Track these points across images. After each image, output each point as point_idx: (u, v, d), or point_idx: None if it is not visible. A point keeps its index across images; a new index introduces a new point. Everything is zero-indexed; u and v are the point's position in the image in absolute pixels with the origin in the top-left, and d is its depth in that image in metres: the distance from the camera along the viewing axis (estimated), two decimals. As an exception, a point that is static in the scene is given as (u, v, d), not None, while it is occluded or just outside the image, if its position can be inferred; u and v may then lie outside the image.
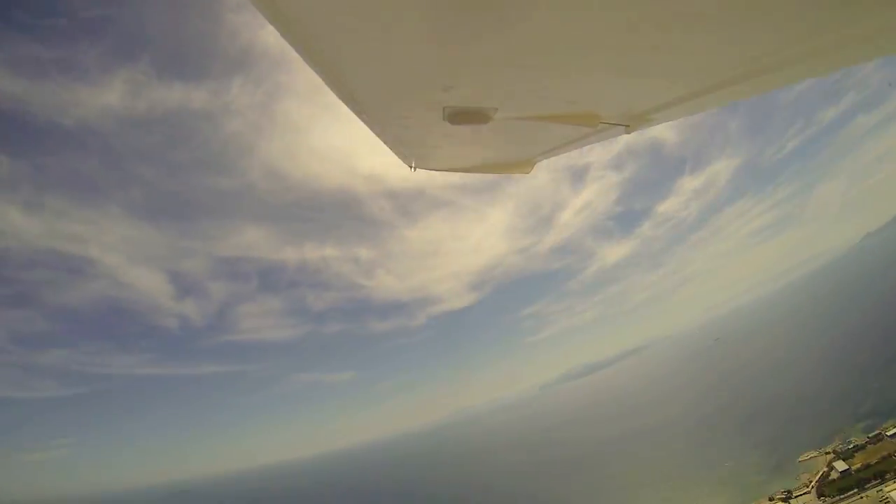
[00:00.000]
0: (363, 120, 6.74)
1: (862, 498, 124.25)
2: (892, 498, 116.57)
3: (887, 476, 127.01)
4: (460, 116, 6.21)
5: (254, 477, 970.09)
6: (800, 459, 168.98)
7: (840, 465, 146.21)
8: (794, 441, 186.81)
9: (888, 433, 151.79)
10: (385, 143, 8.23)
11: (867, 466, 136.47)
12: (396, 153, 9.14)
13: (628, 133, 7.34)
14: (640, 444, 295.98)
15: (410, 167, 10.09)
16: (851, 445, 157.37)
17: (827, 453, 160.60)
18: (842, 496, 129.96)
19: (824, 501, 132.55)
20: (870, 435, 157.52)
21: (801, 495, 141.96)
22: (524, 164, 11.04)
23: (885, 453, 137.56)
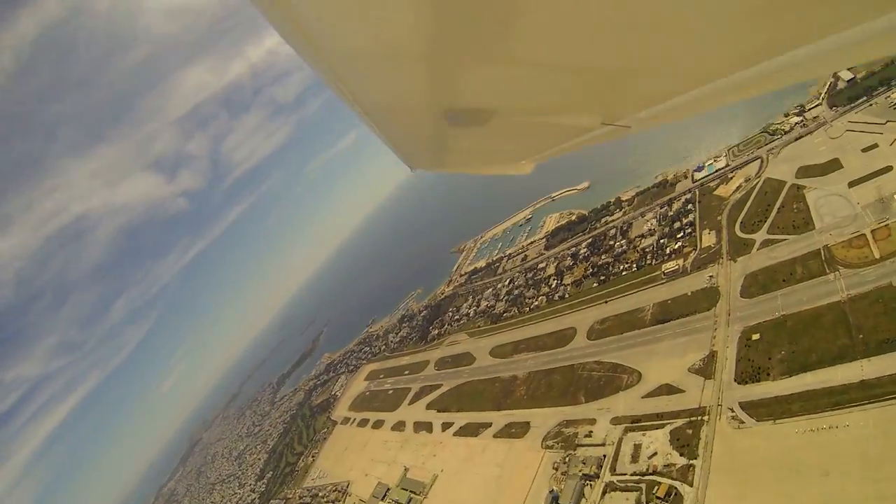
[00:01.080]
0: (364, 121, 7.19)
1: (871, 105, 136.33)
2: None
3: (893, 82, 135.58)
4: (460, 117, 6.47)
5: (337, 261, 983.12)
6: None
7: (845, 75, 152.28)
8: None
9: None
10: (386, 143, 8.73)
11: (871, 74, 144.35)
12: (397, 153, 9.65)
13: (630, 133, 7.43)
14: None
15: (410, 168, 10.78)
16: None
17: None
18: (852, 104, 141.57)
19: (835, 111, 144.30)
20: None
21: (813, 107, 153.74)
22: (524, 165, 11.38)
23: (887, 60, 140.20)
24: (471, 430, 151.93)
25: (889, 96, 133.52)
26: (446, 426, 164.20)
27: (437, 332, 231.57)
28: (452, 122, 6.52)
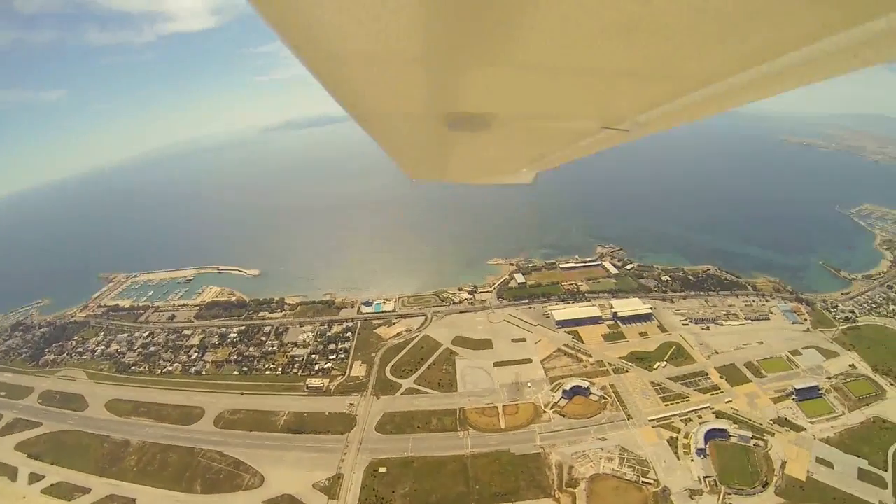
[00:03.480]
0: (365, 128, 7.08)
1: (530, 308, 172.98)
2: (551, 314, 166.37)
3: (552, 297, 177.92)
4: (461, 123, 6.39)
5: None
6: (488, 262, 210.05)
7: (519, 277, 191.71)
8: (488, 246, 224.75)
9: (560, 265, 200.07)
10: (386, 151, 8.74)
11: (539, 285, 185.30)
12: (397, 162, 9.69)
13: (630, 139, 7.28)
14: (353, 213, 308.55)
15: (410, 178, 10.69)
16: (531, 264, 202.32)
17: (511, 264, 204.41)
18: (515, 301, 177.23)
19: (501, 302, 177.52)
20: (547, 261, 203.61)
21: (484, 291, 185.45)
22: (525, 174, 11.26)
23: (554, 280, 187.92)
24: (64, 492, 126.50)
25: (545, 307, 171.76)
26: (35, 478, 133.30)
27: (53, 357, 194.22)
28: (453, 128, 6.52)
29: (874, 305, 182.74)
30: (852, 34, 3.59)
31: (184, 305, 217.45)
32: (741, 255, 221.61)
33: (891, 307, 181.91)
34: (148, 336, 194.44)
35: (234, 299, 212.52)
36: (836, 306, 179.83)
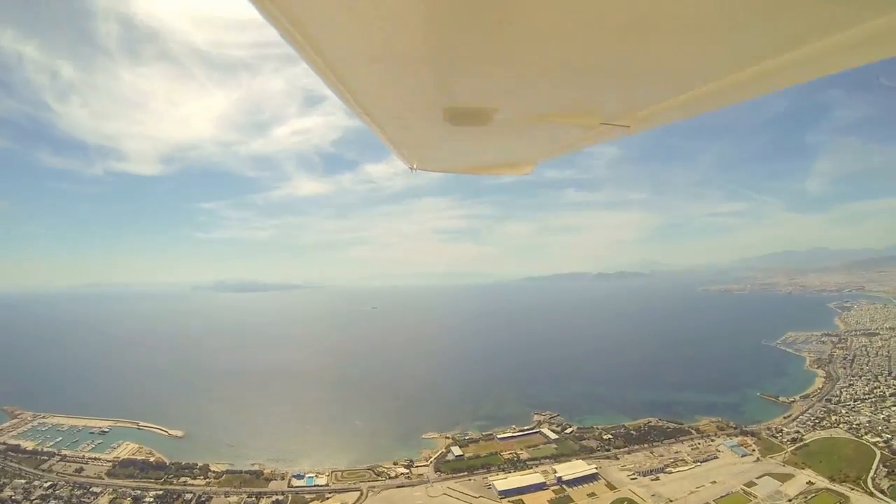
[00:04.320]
0: (365, 121, 7.00)
1: (470, 480, 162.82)
2: (493, 484, 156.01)
3: (492, 468, 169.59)
4: (461, 117, 6.43)
5: None
6: (423, 436, 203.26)
7: (456, 450, 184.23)
8: (421, 419, 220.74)
9: (498, 436, 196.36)
10: (386, 143, 8.53)
11: (477, 457, 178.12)
12: (397, 154, 9.48)
13: (629, 133, 7.37)
14: (282, 382, 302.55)
15: (411, 168, 10.44)
16: (468, 437, 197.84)
17: (447, 438, 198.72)
18: (454, 474, 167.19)
19: (439, 475, 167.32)
20: (483, 433, 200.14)
21: (421, 465, 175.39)
22: (524, 165, 11.32)
23: (493, 450, 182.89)
24: None
25: (486, 477, 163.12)
26: None
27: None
28: (453, 122, 6.51)
29: (817, 420, 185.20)
30: (851, 34, 3.67)
31: (95, 459, 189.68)
32: (679, 402, 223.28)
33: (833, 418, 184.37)
34: (49, 487, 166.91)
35: (152, 459, 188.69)
36: (781, 430, 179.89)
